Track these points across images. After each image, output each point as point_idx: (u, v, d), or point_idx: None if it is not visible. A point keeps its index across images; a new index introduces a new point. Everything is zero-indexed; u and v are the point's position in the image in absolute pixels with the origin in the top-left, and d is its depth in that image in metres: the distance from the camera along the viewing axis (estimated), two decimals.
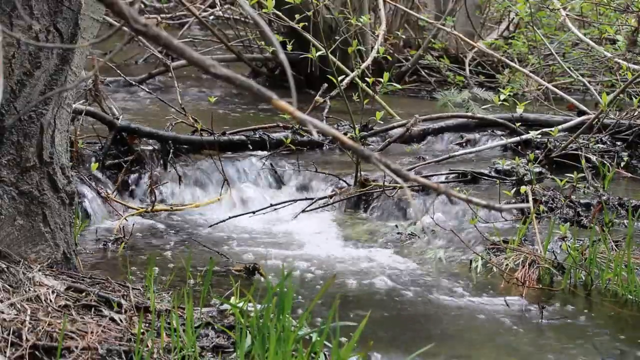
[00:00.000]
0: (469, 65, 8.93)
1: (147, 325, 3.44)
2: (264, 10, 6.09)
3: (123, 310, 3.53)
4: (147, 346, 3.28)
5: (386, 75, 6.02)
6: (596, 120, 6.21)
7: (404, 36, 8.80)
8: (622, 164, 6.16)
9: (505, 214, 5.30)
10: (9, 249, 3.66)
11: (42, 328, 3.26)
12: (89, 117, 5.95)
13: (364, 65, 6.64)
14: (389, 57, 7.76)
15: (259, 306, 3.41)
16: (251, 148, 6.31)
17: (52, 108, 3.80)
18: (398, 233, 5.30)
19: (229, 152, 6.22)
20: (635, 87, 7.07)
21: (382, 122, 6.31)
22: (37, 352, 3.19)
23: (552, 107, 7.50)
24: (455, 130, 6.89)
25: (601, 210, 5.29)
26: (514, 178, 5.68)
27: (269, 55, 8.96)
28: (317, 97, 6.71)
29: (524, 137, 6.25)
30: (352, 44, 6.03)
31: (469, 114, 6.94)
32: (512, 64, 7.84)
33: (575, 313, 4.31)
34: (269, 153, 6.24)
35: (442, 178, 5.92)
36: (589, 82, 7.69)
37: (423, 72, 9.29)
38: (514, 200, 5.39)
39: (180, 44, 1.98)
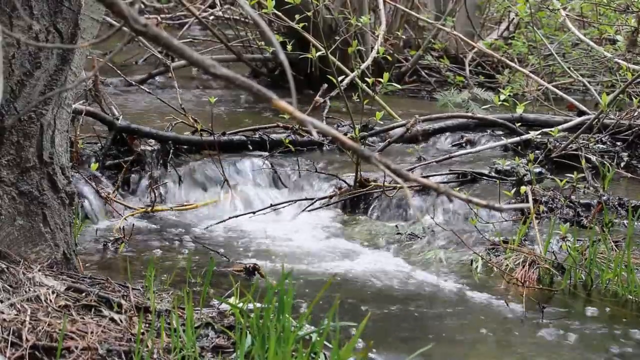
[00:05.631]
0: (469, 65, 8.93)
1: (147, 325, 3.44)
2: (264, 10, 6.09)
3: (123, 311, 3.53)
4: (147, 346, 3.28)
5: (386, 75, 6.01)
6: (596, 120, 6.21)
7: (404, 36, 8.80)
8: (622, 164, 6.16)
9: (505, 214, 5.30)
10: (9, 249, 3.67)
11: (42, 328, 3.26)
12: (89, 117, 5.95)
13: (364, 66, 6.64)
14: (388, 57, 7.76)
15: (259, 306, 3.41)
16: (251, 148, 6.31)
17: (52, 108, 3.80)
18: (398, 233, 5.30)
19: (229, 153, 6.22)
20: (635, 87, 7.07)
21: (382, 122, 6.31)
22: (37, 352, 3.19)
23: (552, 107, 7.50)
24: (455, 130, 6.89)
25: (601, 210, 5.29)
26: (514, 178, 5.68)
27: (269, 56, 8.96)
28: (317, 97, 6.71)
29: (524, 137, 6.25)
30: (352, 44, 6.03)
31: (469, 114, 6.94)
32: (512, 64, 7.84)
33: (575, 313, 4.31)
34: (269, 153, 6.25)
35: (442, 178, 5.92)
36: (589, 82, 7.69)
37: (423, 73, 9.29)
38: (514, 201, 5.39)
39: (180, 44, 1.98)
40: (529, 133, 6.26)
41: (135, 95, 8.06)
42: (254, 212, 5.44)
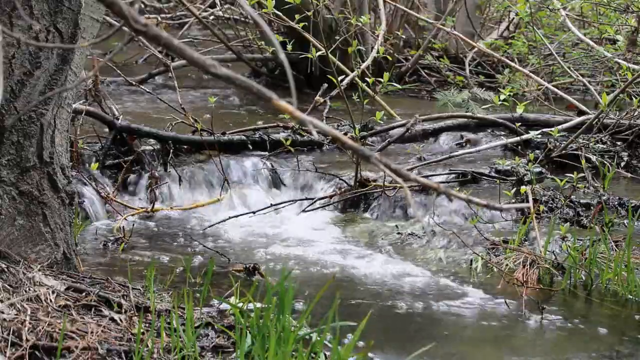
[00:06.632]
0: (469, 65, 8.93)
1: (147, 325, 3.44)
2: (264, 10, 6.09)
3: (123, 310, 3.53)
4: (147, 346, 3.28)
5: (386, 75, 6.01)
6: (596, 120, 6.21)
7: (404, 36, 8.80)
8: (622, 164, 6.16)
9: (505, 214, 5.30)
10: (9, 249, 3.67)
11: (42, 328, 3.26)
12: (89, 117, 5.95)
13: (364, 65, 6.64)
14: (389, 57, 7.76)
15: (259, 306, 3.41)
16: (251, 148, 6.31)
17: (52, 108, 3.80)
18: (398, 233, 5.30)
19: (229, 153, 6.22)
20: (635, 87, 7.06)
21: (382, 122, 6.31)
22: (37, 352, 3.19)
23: (552, 107, 7.49)
24: (455, 130, 6.89)
25: (601, 210, 5.29)
26: (514, 178, 5.68)
27: (269, 55, 8.96)
28: (317, 97, 6.71)
29: (524, 137, 6.25)
30: (352, 44, 6.03)
31: (469, 114, 6.94)
32: (512, 64, 7.83)
33: (575, 313, 4.31)
34: (269, 153, 6.24)
35: (442, 178, 5.92)
36: (589, 82, 7.69)
37: (423, 72, 9.29)
38: (514, 200, 5.40)
39: (180, 44, 1.98)
40: (529, 133, 6.26)
41: (135, 95, 8.06)
42: (254, 212, 5.43)
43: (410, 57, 9.23)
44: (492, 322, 4.18)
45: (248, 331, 3.36)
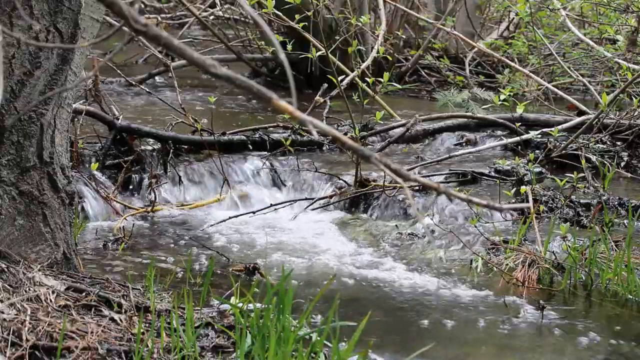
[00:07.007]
0: (469, 65, 8.93)
1: (147, 325, 3.44)
2: (264, 10, 6.09)
3: (123, 310, 3.53)
4: (147, 346, 3.28)
5: (386, 75, 6.01)
6: (596, 120, 6.21)
7: (404, 36, 8.80)
8: (622, 164, 6.16)
9: (505, 214, 5.30)
10: (9, 249, 3.67)
11: (42, 328, 3.26)
12: (89, 117, 5.95)
13: (364, 65, 6.63)
14: (389, 57, 7.76)
15: (259, 306, 3.41)
16: (251, 148, 6.31)
17: (52, 108, 3.80)
18: (398, 233, 5.30)
19: (229, 152, 6.22)
20: (635, 87, 7.06)
21: (382, 122, 6.31)
22: (37, 352, 3.19)
23: (552, 107, 7.50)
24: (455, 130, 6.89)
25: (601, 210, 5.29)
26: (514, 178, 5.68)
27: (269, 55, 8.96)
28: (317, 97, 6.71)
29: (524, 137, 6.25)
30: (352, 44, 6.03)
31: (469, 114, 6.95)
32: (512, 64, 7.84)
33: (575, 313, 4.31)
34: (269, 153, 6.24)
35: (442, 178, 5.92)
36: (589, 82, 7.69)
37: (423, 72, 9.29)
38: (514, 200, 5.40)
39: (180, 44, 1.98)
40: (529, 133, 6.26)
41: (135, 95, 8.06)
42: (254, 212, 5.43)
43: (410, 57, 9.24)
44: (492, 322, 4.18)
45: (248, 331, 3.36)
